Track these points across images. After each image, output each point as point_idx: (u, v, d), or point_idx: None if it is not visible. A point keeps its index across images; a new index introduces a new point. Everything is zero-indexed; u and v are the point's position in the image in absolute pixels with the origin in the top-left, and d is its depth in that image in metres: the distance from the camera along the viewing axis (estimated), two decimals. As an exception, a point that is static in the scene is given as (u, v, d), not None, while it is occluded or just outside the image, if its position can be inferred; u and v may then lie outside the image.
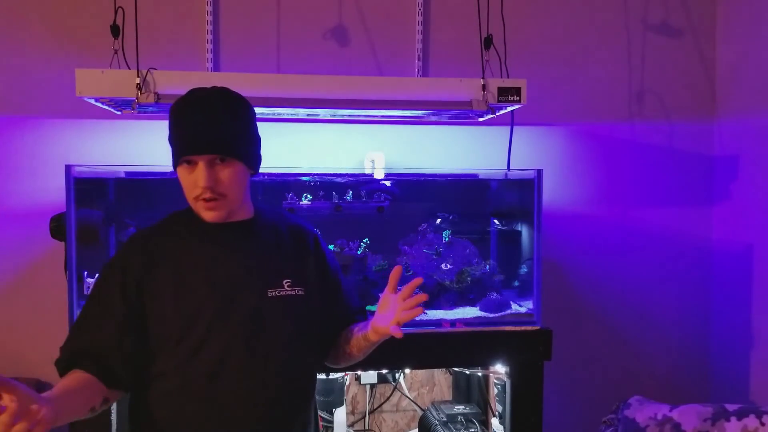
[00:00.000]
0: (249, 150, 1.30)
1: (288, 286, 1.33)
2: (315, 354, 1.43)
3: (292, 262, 1.38)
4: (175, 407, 1.25)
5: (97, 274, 1.32)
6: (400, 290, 1.29)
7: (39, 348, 2.27)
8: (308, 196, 2.19)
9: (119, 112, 2.16)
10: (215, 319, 1.25)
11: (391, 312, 1.28)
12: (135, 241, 1.33)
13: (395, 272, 1.32)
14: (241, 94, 1.31)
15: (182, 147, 1.24)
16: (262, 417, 1.28)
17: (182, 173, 1.25)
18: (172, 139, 1.27)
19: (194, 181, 1.23)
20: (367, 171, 2.34)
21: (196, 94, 1.28)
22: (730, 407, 1.99)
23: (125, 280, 1.26)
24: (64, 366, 1.24)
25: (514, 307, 2.21)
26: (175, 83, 1.91)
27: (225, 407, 1.25)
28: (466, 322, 2.08)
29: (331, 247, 2.15)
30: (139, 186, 2.24)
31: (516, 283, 2.32)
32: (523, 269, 2.30)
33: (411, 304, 1.26)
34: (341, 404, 2.23)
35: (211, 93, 1.28)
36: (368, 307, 2.10)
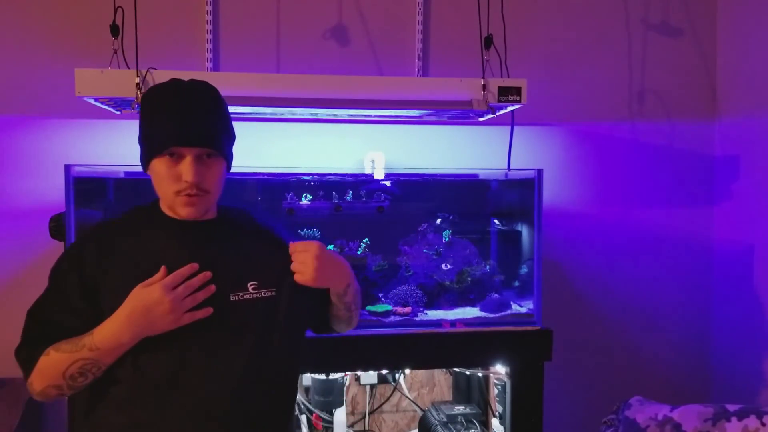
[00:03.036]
0: (230, 149, 1.29)
1: (253, 289, 1.26)
2: (293, 356, 1.34)
3: (259, 263, 1.30)
4: (128, 415, 1.18)
5: (51, 267, 1.27)
6: None
7: (39, 348, 2.26)
8: (308, 196, 2.19)
9: (119, 112, 2.16)
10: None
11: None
12: (93, 233, 1.28)
13: None
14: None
15: (170, 137, 1.17)
16: (225, 427, 1.20)
17: (161, 166, 1.19)
18: (152, 128, 1.21)
19: (177, 174, 1.18)
20: (367, 171, 2.34)
21: (180, 85, 1.23)
22: (731, 407, 1.99)
23: (82, 273, 1.21)
24: (30, 350, 1.22)
25: (515, 308, 2.21)
26: (175, 83, 1.91)
27: (183, 416, 1.18)
28: (466, 322, 2.08)
29: (330, 246, 2.15)
30: (138, 186, 2.23)
31: (516, 283, 2.32)
32: (524, 269, 2.29)
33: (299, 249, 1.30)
34: (341, 404, 2.22)
35: (196, 86, 1.23)
36: (368, 308, 2.10)
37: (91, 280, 1.20)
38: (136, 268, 1.20)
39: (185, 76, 1.95)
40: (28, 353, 1.22)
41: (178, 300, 1.15)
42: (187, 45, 2.36)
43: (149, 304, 1.14)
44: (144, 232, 1.26)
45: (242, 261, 1.29)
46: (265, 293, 1.28)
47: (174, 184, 1.19)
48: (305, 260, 1.27)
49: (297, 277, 1.28)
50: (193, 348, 1.20)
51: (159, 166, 1.20)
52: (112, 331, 1.15)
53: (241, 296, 1.26)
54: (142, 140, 1.25)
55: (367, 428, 2.43)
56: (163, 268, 1.18)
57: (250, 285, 1.27)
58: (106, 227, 1.29)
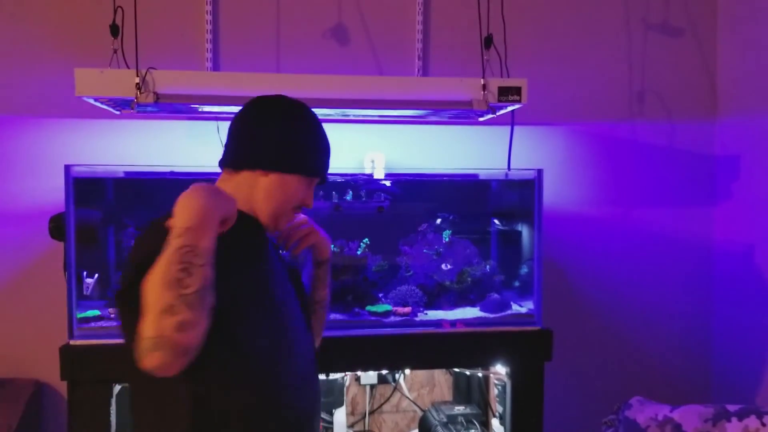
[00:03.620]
0: None
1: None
2: None
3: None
4: (254, 425, 1.15)
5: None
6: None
7: (39, 348, 2.26)
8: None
9: (118, 112, 2.16)
10: (291, 332, 1.24)
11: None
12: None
13: None
14: None
15: (323, 170, 1.30)
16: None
17: (299, 183, 1.25)
18: (316, 152, 1.28)
19: (303, 198, 1.26)
20: (367, 171, 2.34)
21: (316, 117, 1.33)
22: (731, 408, 1.99)
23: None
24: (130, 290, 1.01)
25: (515, 308, 2.21)
26: (175, 83, 1.91)
27: (298, 424, 1.22)
28: (466, 322, 2.08)
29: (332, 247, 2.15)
30: (138, 186, 2.23)
31: (516, 284, 2.32)
32: (524, 269, 2.29)
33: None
34: (341, 405, 2.22)
35: None
36: (368, 308, 2.10)
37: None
38: (251, 278, 1.22)
39: (186, 75, 1.97)
40: (128, 295, 1.03)
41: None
42: (187, 45, 2.36)
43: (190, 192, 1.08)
44: (245, 243, 1.24)
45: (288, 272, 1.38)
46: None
47: (296, 201, 1.26)
48: (309, 227, 1.36)
49: (314, 239, 1.36)
50: (307, 356, 1.29)
51: (298, 182, 1.25)
52: (184, 207, 1.04)
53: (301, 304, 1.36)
54: (290, 149, 1.23)
55: (367, 428, 2.43)
56: None
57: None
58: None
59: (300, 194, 1.25)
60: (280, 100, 1.29)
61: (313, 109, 1.33)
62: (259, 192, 1.22)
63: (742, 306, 2.52)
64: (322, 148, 1.29)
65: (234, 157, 1.25)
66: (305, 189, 1.25)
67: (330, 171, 1.36)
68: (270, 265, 1.27)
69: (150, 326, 0.93)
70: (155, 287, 0.94)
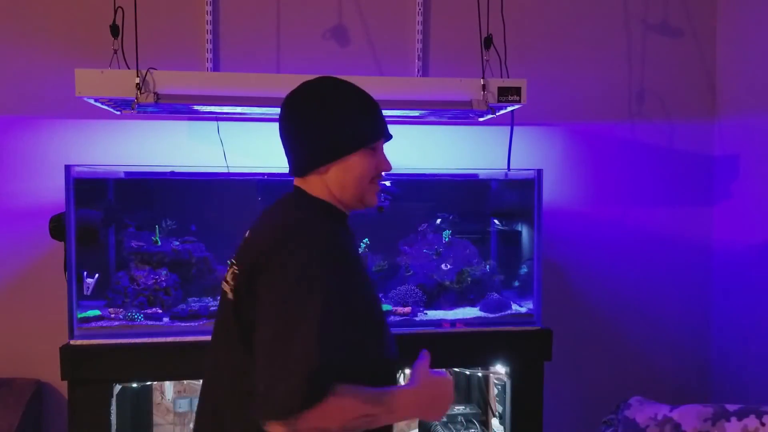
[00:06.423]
0: None
1: None
2: None
3: None
4: None
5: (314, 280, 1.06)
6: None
7: (39, 348, 2.26)
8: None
9: (119, 112, 2.16)
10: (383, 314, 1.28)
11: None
12: (335, 238, 1.16)
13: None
14: None
15: (380, 131, 1.24)
16: None
17: (363, 158, 1.21)
18: (356, 123, 1.21)
19: (377, 164, 1.23)
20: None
21: (353, 85, 1.27)
22: (731, 407, 1.99)
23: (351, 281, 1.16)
24: (322, 382, 0.98)
25: (514, 307, 2.21)
26: (175, 83, 1.91)
27: None
28: (466, 322, 2.08)
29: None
30: (138, 186, 2.24)
31: (516, 283, 2.32)
32: (523, 269, 2.30)
33: None
34: (341, 404, 2.22)
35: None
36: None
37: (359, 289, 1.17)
38: (362, 270, 1.22)
39: (186, 76, 1.97)
40: (317, 386, 0.97)
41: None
42: (187, 45, 2.36)
43: (444, 396, 1.18)
44: (347, 235, 1.26)
45: None
46: None
47: (373, 172, 1.23)
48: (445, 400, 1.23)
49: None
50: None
51: (362, 158, 1.21)
52: (412, 405, 1.13)
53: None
54: (336, 135, 1.20)
55: (367, 428, 2.43)
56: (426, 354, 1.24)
57: None
58: (336, 233, 1.18)
59: (369, 166, 1.22)
60: (303, 91, 1.25)
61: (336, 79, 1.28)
62: (334, 186, 1.22)
63: (741, 305, 2.52)
64: (362, 113, 1.23)
65: (294, 167, 1.26)
66: (370, 158, 1.21)
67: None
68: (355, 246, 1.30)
69: (310, 418, 0.96)
70: (342, 409, 1.00)
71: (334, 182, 1.21)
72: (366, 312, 1.17)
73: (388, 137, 1.27)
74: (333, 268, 1.07)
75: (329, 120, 1.20)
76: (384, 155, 1.25)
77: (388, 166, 1.24)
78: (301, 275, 1.04)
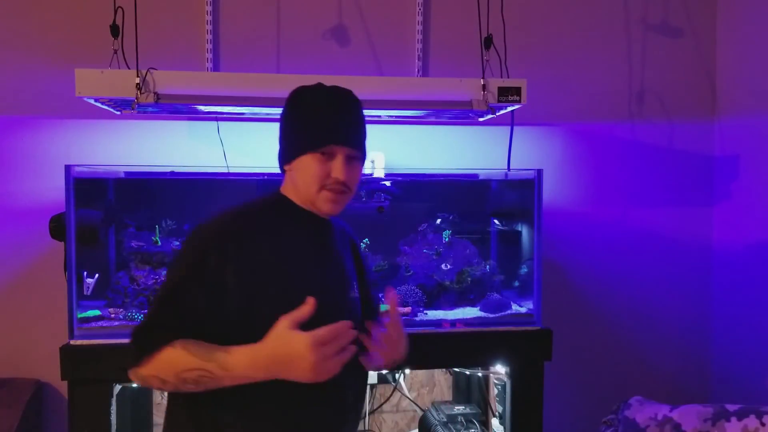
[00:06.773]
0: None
1: (355, 289, 1.34)
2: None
3: (350, 263, 1.37)
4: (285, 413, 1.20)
5: (184, 249, 1.21)
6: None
7: (39, 348, 2.26)
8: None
9: (119, 112, 2.16)
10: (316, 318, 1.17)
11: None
12: (235, 224, 1.24)
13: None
14: None
15: (330, 135, 1.22)
16: (346, 422, 1.28)
17: (313, 161, 1.22)
18: (309, 126, 1.23)
19: (328, 171, 1.22)
20: (367, 171, 2.34)
21: (333, 89, 1.28)
22: (731, 407, 1.99)
23: (225, 267, 1.18)
24: (156, 335, 1.14)
25: (514, 308, 2.21)
26: (175, 83, 1.91)
27: (313, 413, 1.22)
28: (466, 322, 2.08)
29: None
30: (138, 186, 2.23)
31: (516, 284, 2.32)
32: (523, 269, 2.29)
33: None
34: (341, 404, 2.22)
35: (346, 92, 1.30)
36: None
37: (235, 276, 1.16)
38: (280, 263, 1.22)
39: (186, 76, 1.98)
40: (151, 337, 1.12)
41: (321, 361, 1.08)
42: (187, 45, 2.36)
43: (293, 355, 1.08)
44: (285, 228, 1.27)
45: (347, 260, 1.36)
46: (357, 293, 1.35)
47: (323, 179, 1.23)
48: (400, 345, 1.30)
49: (383, 352, 1.28)
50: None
51: (310, 161, 1.23)
52: (248, 364, 1.10)
53: (353, 294, 1.33)
54: (293, 136, 1.26)
55: (367, 428, 2.43)
56: (310, 300, 1.11)
57: (354, 284, 1.34)
58: (245, 219, 1.26)
59: (317, 170, 1.21)
60: (289, 94, 1.30)
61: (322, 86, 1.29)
62: (294, 185, 1.27)
63: (741, 305, 2.52)
64: (314, 117, 1.24)
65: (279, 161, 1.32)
66: (320, 163, 1.22)
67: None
68: (292, 246, 1.25)
69: (146, 367, 1.11)
70: (172, 360, 1.09)
71: (293, 181, 1.27)
72: (257, 293, 1.17)
73: (339, 144, 1.22)
74: (205, 248, 1.17)
75: (289, 123, 1.27)
76: (342, 164, 1.22)
77: (341, 175, 1.21)
78: (181, 250, 1.21)
